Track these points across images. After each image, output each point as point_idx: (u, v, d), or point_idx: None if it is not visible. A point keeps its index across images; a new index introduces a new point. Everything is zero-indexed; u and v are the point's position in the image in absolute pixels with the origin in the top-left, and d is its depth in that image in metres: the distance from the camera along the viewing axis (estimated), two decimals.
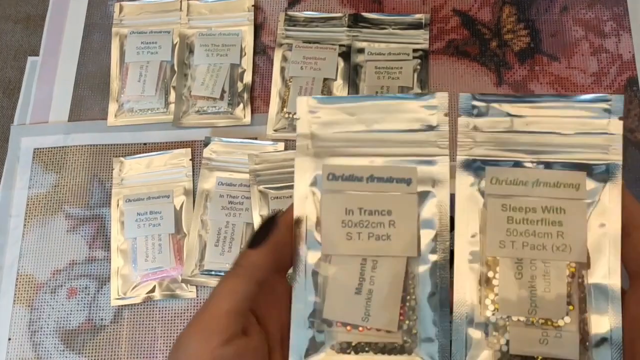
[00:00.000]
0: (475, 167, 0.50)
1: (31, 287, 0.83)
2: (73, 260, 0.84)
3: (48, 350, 0.80)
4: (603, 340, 0.47)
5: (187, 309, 0.81)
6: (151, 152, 0.88)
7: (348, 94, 0.90)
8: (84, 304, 0.82)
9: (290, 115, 0.89)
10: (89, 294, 0.82)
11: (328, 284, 0.50)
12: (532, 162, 0.49)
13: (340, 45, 0.93)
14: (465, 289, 0.49)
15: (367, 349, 0.50)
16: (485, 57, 0.92)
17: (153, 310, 0.81)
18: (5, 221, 0.86)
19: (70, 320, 0.81)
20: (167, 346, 0.80)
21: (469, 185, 0.50)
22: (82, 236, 0.85)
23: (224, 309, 0.46)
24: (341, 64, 0.92)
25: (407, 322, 0.50)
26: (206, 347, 0.45)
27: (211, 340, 0.45)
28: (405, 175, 0.51)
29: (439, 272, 0.50)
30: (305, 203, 0.51)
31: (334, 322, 0.50)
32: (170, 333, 0.80)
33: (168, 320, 0.81)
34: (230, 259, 0.81)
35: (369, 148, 0.52)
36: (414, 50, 0.92)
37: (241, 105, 0.91)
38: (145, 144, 0.89)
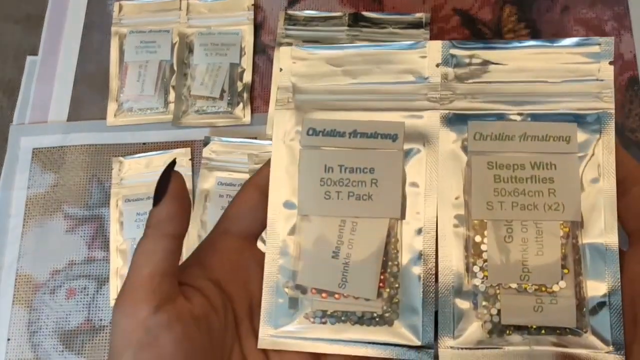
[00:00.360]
0: (457, 122, 0.47)
1: (30, 288, 0.83)
2: (72, 261, 0.84)
3: (47, 351, 0.79)
4: (601, 305, 0.44)
5: None
6: (150, 152, 0.88)
7: None
8: (83, 304, 0.81)
9: None
10: (88, 295, 0.82)
11: (303, 247, 0.47)
12: (518, 114, 0.46)
13: None
14: (451, 256, 0.46)
15: (343, 318, 0.46)
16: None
17: None
18: (4, 221, 0.86)
19: (69, 321, 0.81)
20: None
21: (451, 142, 0.47)
22: (81, 236, 0.85)
23: (145, 274, 0.43)
24: None
25: (387, 290, 0.46)
26: (135, 320, 0.41)
27: (139, 310, 0.41)
28: (391, 131, 0.47)
29: (425, 236, 0.47)
30: (282, 161, 0.48)
31: (308, 288, 0.47)
32: None
33: None
34: None
35: (354, 102, 0.48)
36: None
37: (241, 104, 0.91)
38: (144, 143, 0.89)
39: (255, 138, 0.88)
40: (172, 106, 0.91)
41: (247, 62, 0.93)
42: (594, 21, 0.92)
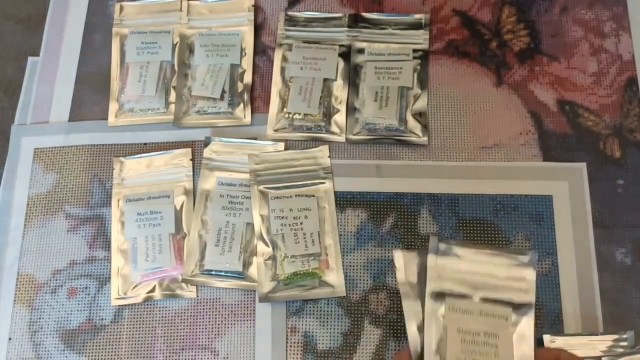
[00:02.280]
0: (439, 296, 0.65)
1: (31, 287, 0.83)
2: (73, 260, 0.84)
3: (48, 350, 0.80)
4: None
5: (188, 309, 0.81)
6: (151, 152, 0.88)
7: (348, 94, 0.90)
8: (84, 303, 0.82)
9: (290, 116, 0.89)
10: (89, 294, 0.82)
11: None
12: (478, 297, 0.65)
13: (340, 46, 0.93)
14: None
15: None
16: (485, 58, 0.92)
17: (153, 310, 0.81)
18: (5, 221, 0.86)
19: (70, 320, 0.81)
20: (167, 346, 0.80)
21: (436, 310, 0.64)
22: (82, 236, 0.85)
23: None
24: (341, 64, 0.92)
25: None
26: None
27: None
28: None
29: None
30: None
31: None
32: (171, 333, 0.80)
33: (168, 320, 0.81)
34: (230, 259, 0.82)
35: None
36: (414, 51, 0.92)
37: (241, 105, 0.91)
38: (145, 144, 0.90)
39: (256, 138, 0.88)
40: (173, 107, 0.91)
41: (247, 63, 0.93)
42: (592, 22, 0.93)
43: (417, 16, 0.94)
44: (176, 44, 0.95)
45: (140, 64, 0.93)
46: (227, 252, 0.83)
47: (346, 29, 0.93)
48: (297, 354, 0.78)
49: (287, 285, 0.81)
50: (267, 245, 0.83)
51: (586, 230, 0.82)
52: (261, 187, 0.86)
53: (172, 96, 0.92)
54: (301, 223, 0.84)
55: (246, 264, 0.83)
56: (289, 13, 0.95)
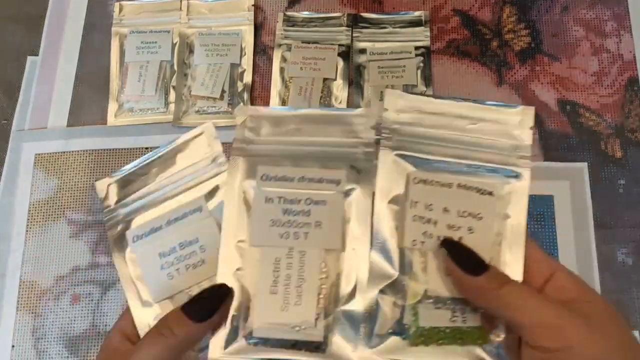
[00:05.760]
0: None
1: (34, 294, 0.83)
2: (76, 266, 0.84)
3: (52, 357, 0.80)
4: None
5: None
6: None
7: (348, 95, 0.90)
8: (88, 310, 0.82)
9: None
10: (92, 300, 0.82)
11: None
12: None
13: (339, 45, 0.93)
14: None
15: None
16: (486, 57, 0.91)
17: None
18: (7, 227, 0.86)
19: (74, 327, 0.81)
20: None
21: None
22: (84, 242, 0.85)
23: None
24: (341, 63, 0.92)
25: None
26: None
27: None
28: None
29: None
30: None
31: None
32: None
33: None
34: (300, 317, 0.52)
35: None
36: (416, 48, 0.92)
37: (241, 104, 0.91)
38: (146, 148, 0.90)
39: None
40: (172, 106, 0.91)
41: (247, 63, 0.93)
42: (593, 21, 0.92)
43: (417, 13, 0.94)
44: (176, 43, 0.95)
45: (140, 63, 0.93)
46: (295, 304, 0.52)
47: (345, 28, 0.93)
48: None
49: (419, 343, 0.52)
50: (389, 263, 0.54)
51: (587, 230, 0.82)
52: (396, 154, 0.55)
53: (172, 96, 0.92)
54: (460, 239, 0.53)
55: (330, 327, 0.52)
56: (287, 13, 0.95)
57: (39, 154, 0.89)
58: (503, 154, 0.55)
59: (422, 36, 0.93)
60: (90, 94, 0.93)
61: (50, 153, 0.89)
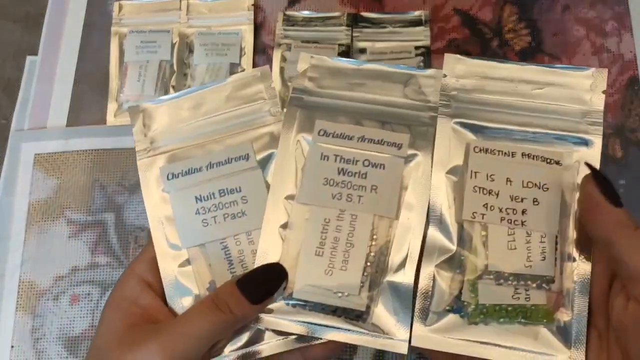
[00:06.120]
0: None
1: (33, 294, 0.82)
2: (75, 266, 0.83)
3: (51, 358, 0.79)
4: None
5: None
6: None
7: None
8: (87, 310, 0.81)
9: None
10: (91, 300, 0.82)
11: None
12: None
13: (339, 45, 0.92)
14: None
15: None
16: (486, 57, 0.91)
17: None
18: (6, 227, 0.86)
19: (73, 327, 0.81)
20: None
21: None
22: (84, 242, 0.84)
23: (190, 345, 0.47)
24: None
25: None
26: None
27: None
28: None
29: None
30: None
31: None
32: None
33: None
34: (345, 283, 0.52)
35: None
36: (416, 48, 0.92)
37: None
38: None
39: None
40: None
41: (247, 62, 0.93)
42: (594, 21, 0.92)
43: (417, 13, 0.93)
44: (175, 43, 0.94)
45: (140, 63, 0.93)
46: (340, 269, 0.52)
47: (345, 27, 0.93)
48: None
49: (478, 322, 0.51)
50: (446, 236, 0.53)
51: None
52: (456, 122, 0.55)
53: None
54: (524, 212, 0.52)
55: (374, 297, 0.52)
56: (287, 13, 0.95)
57: (38, 154, 0.89)
58: (572, 120, 0.53)
59: (422, 36, 0.92)
60: (90, 94, 0.93)
61: (50, 153, 0.89)
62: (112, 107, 0.92)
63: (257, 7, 0.96)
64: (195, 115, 0.56)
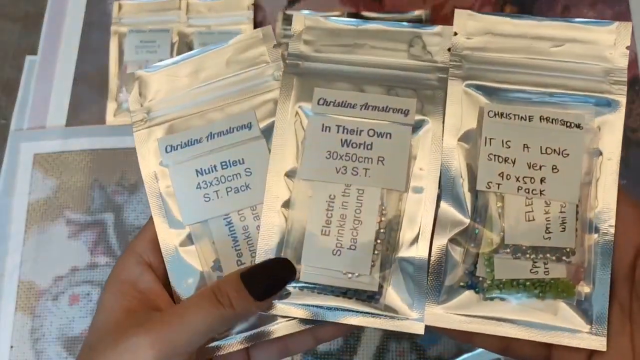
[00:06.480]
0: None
1: (33, 294, 0.82)
2: (75, 267, 0.83)
3: (51, 358, 0.79)
4: None
5: None
6: None
7: None
8: (86, 310, 0.81)
9: None
10: (91, 301, 0.82)
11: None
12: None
13: None
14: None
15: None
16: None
17: None
18: (5, 228, 0.86)
19: (72, 327, 0.81)
20: None
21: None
22: (83, 242, 0.85)
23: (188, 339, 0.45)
24: None
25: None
26: None
27: None
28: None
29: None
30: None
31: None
32: None
33: None
34: (354, 263, 0.49)
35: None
36: None
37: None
38: None
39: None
40: None
41: None
42: None
43: (417, 12, 0.93)
44: (175, 42, 0.94)
45: (139, 62, 0.93)
46: (349, 248, 0.49)
47: None
48: (297, 355, 0.78)
49: (495, 298, 0.49)
50: (460, 208, 0.50)
51: None
52: (467, 85, 0.51)
53: None
54: (543, 180, 0.49)
55: (386, 276, 0.50)
56: (287, 12, 0.95)
57: (38, 154, 0.89)
58: (594, 79, 0.49)
59: None
60: (89, 94, 0.93)
61: (49, 153, 0.89)
62: (111, 106, 0.92)
63: (257, 7, 0.96)
64: (194, 82, 0.52)
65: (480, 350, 0.75)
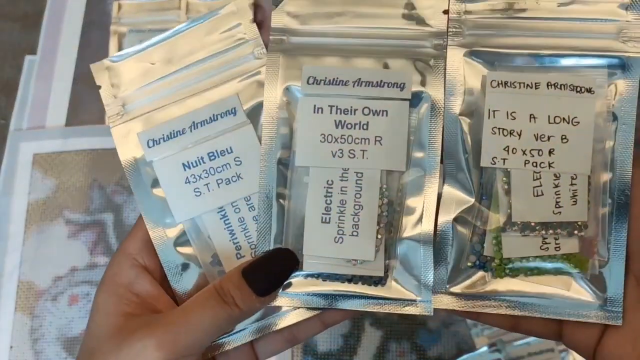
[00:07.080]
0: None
1: (32, 295, 0.82)
2: (74, 267, 0.83)
3: (50, 358, 0.79)
4: None
5: None
6: None
7: None
8: (86, 310, 0.81)
9: None
10: (90, 301, 0.81)
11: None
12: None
13: None
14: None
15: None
16: None
17: None
18: (4, 228, 0.86)
19: (72, 328, 0.81)
20: None
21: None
22: (83, 242, 0.84)
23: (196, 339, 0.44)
24: None
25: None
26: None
27: None
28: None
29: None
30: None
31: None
32: None
33: None
34: (358, 248, 0.48)
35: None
36: None
37: None
38: None
39: None
40: None
41: None
42: None
43: None
44: None
45: None
46: (351, 235, 0.48)
47: None
48: (297, 356, 0.78)
49: (504, 277, 0.48)
50: (464, 186, 0.48)
51: None
52: (468, 52, 0.48)
53: None
54: (551, 152, 0.47)
55: (392, 261, 0.49)
56: None
57: (37, 154, 0.89)
58: (605, 38, 0.46)
59: None
60: (89, 93, 0.93)
61: (49, 153, 0.89)
62: None
63: (257, 6, 0.96)
64: (169, 67, 0.49)
65: (480, 350, 0.75)
